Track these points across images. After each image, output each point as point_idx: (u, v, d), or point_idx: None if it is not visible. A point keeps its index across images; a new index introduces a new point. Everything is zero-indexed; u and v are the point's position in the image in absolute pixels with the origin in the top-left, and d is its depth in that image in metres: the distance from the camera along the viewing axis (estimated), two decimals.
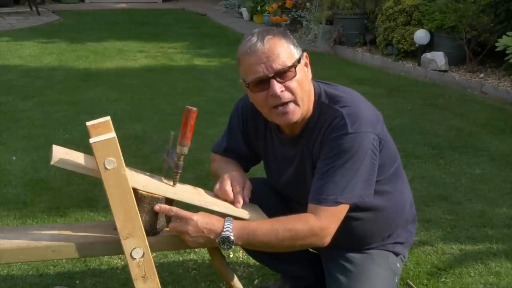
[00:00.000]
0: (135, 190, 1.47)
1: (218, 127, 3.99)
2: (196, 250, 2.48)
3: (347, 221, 1.62)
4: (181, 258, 2.47)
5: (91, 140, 1.38)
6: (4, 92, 5.25)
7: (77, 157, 1.50)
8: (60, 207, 2.93)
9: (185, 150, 1.55)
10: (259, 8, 9.49)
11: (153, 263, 1.50)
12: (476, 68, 5.97)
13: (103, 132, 1.39)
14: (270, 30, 1.60)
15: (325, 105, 1.65)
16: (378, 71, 6.46)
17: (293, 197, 1.84)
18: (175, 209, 1.53)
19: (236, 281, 1.69)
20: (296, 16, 8.51)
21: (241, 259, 2.46)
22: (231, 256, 2.47)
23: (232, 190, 1.66)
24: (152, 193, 1.51)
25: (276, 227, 1.54)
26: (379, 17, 6.87)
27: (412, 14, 6.45)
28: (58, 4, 11.97)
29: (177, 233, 1.54)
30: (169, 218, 1.57)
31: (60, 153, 1.47)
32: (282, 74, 1.55)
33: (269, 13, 9.04)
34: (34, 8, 10.22)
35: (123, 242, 1.46)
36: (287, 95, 1.57)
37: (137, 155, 3.68)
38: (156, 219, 1.53)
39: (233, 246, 1.52)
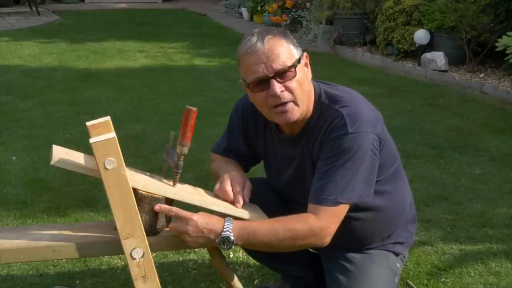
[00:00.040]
0: (135, 190, 1.47)
1: (218, 127, 3.99)
2: (196, 250, 2.48)
3: (347, 221, 1.62)
4: (181, 258, 2.47)
5: (91, 140, 1.38)
6: (4, 92, 5.25)
7: (77, 157, 1.50)
8: (60, 207, 2.93)
9: (185, 150, 1.55)
10: (259, 8, 9.49)
11: (153, 263, 1.50)
12: (476, 68, 5.97)
13: (103, 132, 1.39)
14: (270, 30, 1.60)
15: (325, 105, 1.65)
16: (378, 71, 6.46)
17: (293, 197, 1.84)
18: (175, 209, 1.53)
19: (236, 281, 1.69)
20: (296, 16, 8.51)
21: (241, 259, 2.46)
22: (231, 256, 2.47)
23: (232, 190, 1.66)
24: (152, 193, 1.51)
25: (276, 227, 1.54)
26: (379, 17, 6.87)
27: (412, 14, 6.45)
28: (58, 4, 11.97)
29: (177, 233, 1.54)
30: (169, 218, 1.57)
31: (60, 153, 1.47)
32: (282, 74, 1.55)
33: (269, 13, 9.04)
34: (34, 8, 10.22)
35: (123, 242, 1.46)
36: (287, 95, 1.57)
37: (137, 155, 3.68)
38: (156, 219, 1.53)
39: (233, 246, 1.52)
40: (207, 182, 3.00)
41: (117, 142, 1.40)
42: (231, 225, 1.52)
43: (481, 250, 2.54)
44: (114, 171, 1.40)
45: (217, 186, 1.69)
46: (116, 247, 1.49)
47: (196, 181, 2.96)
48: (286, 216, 1.58)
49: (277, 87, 1.55)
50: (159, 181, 1.59)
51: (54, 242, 1.49)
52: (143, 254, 1.48)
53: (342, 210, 1.58)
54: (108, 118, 1.41)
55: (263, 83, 1.56)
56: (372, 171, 1.61)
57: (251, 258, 2.22)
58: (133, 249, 1.46)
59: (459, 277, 2.32)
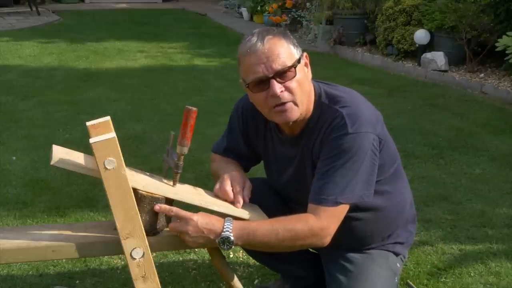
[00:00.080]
0: (135, 190, 1.47)
1: (218, 127, 3.99)
2: (196, 250, 2.48)
3: (347, 221, 1.62)
4: (181, 258, 2.47)
5: (91, 140, 1.38)
6: (4, 92, 5.25)
7: (77, 157, 1.50)
8: (60, 207, 2.93)
9: (185, 150, 1.55)
10: (259, 8, 9.49)
11: (153, 263, 1.50)
12: (476, 68, 5.97)
13: (103, 132, 1.39)
14: (270, 30, 1.60)
15: (325, 105, 1.65)
16: (378, 71, 6.45)
17: (293, 197, 1.84)
18: (175, 209, 1.53)
19: (236, 281, 1.69)
20: (296, 16, 8.51)
21: (241, 259, 2.46)
22: (231, 256, 2.47)
23: (232, 190, 1.66)
24: (152, 193, 1.51)
25: (276, 227, 1.54)
26: (379, 17, 6.87)
27: (412, 14, 6.45)
28: (58, 4, 11.97)
29: (177, 233, 1.54)
30: (169, 218, 1.57)
31: (60, 153, 1.47)
32: (282, 74, 1.55)
33: (269, 13, 9.04)
34: (34, 8, 10.22)
35: (123, 242, 1.46)
36: (286, 95, 1.57)
37: (137, 155, 3.68)
38: (156, 219, 1.53)
39: (233, 246, 1.52)
40: (207, 182, 3.00)
41: (117, 142, 1.40)
42: (231, 225, 1.52)
43: (481, 250, 2.54)
44: (114, 171, 1.40)
45: (217, 186, 1.69)
46: (116, 247, 1.49)
47: (196, 181, 2.96)
48: (286, 216, 1.58)
49: (277, 87, 1.55)
50: (159, 181, 1.59)
51: (54, 242, 1.49)
52: (143, 254, 1.48)
53: (342, 210, 1.58)
54: (108, 118, 1.41)
55: (263, 83, 1.56)
56: (372, 171, 1.61)
57: (251, 258, 2.22)
58: (133, 249, 1.46)
59: (459, 277, 2.32)
